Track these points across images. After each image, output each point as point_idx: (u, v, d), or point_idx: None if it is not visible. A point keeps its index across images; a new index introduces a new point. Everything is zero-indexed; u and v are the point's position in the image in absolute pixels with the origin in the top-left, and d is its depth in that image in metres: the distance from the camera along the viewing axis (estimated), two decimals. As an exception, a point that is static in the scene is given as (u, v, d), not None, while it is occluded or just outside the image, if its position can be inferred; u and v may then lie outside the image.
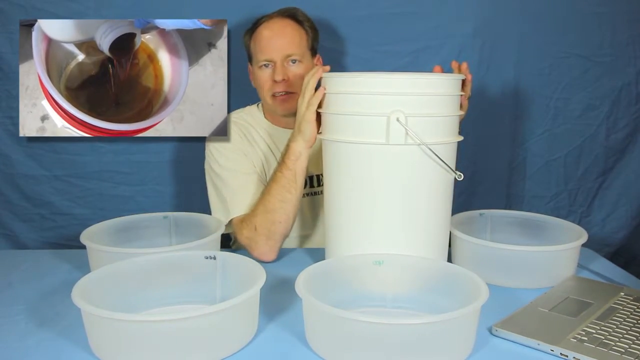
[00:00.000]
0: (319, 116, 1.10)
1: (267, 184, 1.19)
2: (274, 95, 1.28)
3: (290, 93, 1.27)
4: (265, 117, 1.38)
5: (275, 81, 1.26)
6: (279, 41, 1.26)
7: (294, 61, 1.27)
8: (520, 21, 1.52)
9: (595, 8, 1.51)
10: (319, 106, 1.08)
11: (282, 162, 1.16)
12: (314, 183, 1.35)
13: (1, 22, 1.41)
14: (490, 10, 1.51)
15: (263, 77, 1.28)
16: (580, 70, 1.55)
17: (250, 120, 1.37)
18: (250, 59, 1.34)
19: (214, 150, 1.30)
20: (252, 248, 1.18)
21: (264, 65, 1.27)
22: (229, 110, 1.43)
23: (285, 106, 1.29)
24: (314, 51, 1.34)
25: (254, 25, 1.31)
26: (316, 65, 1.31)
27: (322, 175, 1.31)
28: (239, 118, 1.37)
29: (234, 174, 1.27)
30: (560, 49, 1.53)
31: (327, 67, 1.10)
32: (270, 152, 1.34)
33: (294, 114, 1.15)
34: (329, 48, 1.47)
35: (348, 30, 1.50)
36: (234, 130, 1.34)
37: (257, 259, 1.06)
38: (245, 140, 1.33)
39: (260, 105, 1.41)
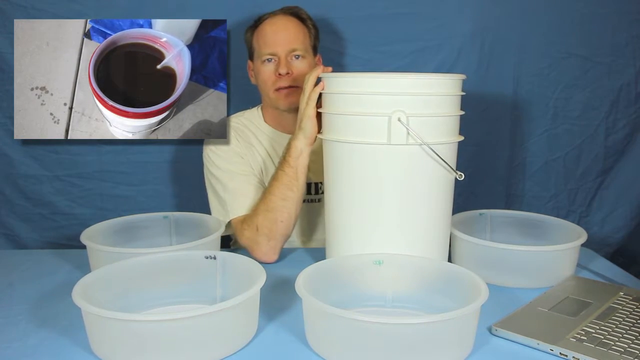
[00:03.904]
0: (319, 115, 1.10)
1: (269, 183, 1.19)
2: (277, 90, 1.28)
3: (293, 87, 1.27)
4: (265, 120, 1.38)
5: (279, 75, 1.26)
6: (283, 36, 1.27)
7: (297, 56, 1.27)
8: (520, 21, 1.52)
9: (595, 8, 1.51)
10: (319, 105, 1.08)
11: (283, 160, 1.16)
12: (311, 190, 1.35)
13: (1, 22, 1.41)
14: (490, 10, 1.51)
15: (266, 72, 1.28)
16: (580, 70, 1.55)
17: (249, 125, 1.36)
18: (251, 55, 1.35)
19: (211, 153, 1.30)
20: (253, 249, 1.17)
21: (267, 59, 1.27)
22: (229, 110, 1.43)
23: (289, 100, 1.27)
24: (315, 50, 1.35)
25: (257, 22, 1.32)
26: (317, 64, 1.32)
27: (321, 183, 1.31)
28: (238, 122, 1.36)
29: (231, 175, 1.27)
30: (560, 49, 1.53)
31: (329, 68, 1.12)
32: (269, 157, 1.34)
33: (296, 109, 1.16)
34: (329, 48, 1.47)
35: (348, 30, 1.50)
36: (231, 134, 1.34)
37: (259, 260, 1.06)
38: (243, 143, 1.33)
39: (260, 108, 1.40)
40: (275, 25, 1.29)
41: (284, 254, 1.22)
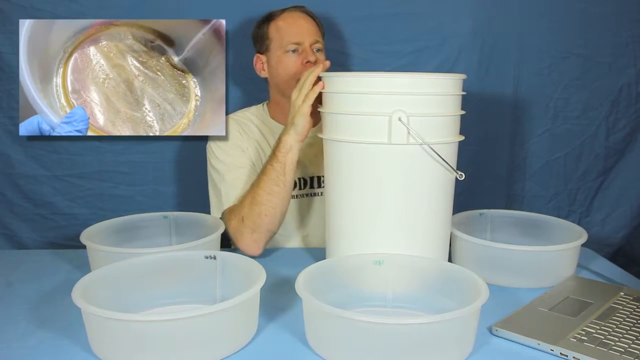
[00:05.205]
0: (315, 113, 1.10)
1: (257, 177, 1.20)
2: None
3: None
4: (271, 116, 1.38)
5: (308, 62, 1.27)
6: (307, 27, 1.30)
7: (318, 49, 1.30)
8: (520, 21, 1.52)
9: (595, 8, 1.51)
10: (319, 103, 1.08)
11: (272, 154, 1.17)
12: (314, 184, 1.35)
13: (1, 22, 1.41)
14: (490, 10, 1.51)
15: (290, 62, 1.29)
16: (580, 70, 1.55)
17: (254, 120, 1.37)
18: (265, 47, 1.34)
19: (214, 145, 1.31)
20: (237, 239, 1.18)
21: (292, 50, 1.29)
22: (227, 109, 1.43)
23: None
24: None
25: (270, 17, 1.33)
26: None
27: (323, 177, 1.31)
28: (243, 117, 1.37)
29: (230, 168, 1.28)
30: (560, 49, 1.53)
31: (327, 63, 1.13)
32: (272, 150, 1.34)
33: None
34: (329, 48, 1.47)
35: (348, 30, 1.50)
36: (233, 127, 1.34)
37: (243, 252, 1.07)
38: (245, 136, 1.33)
39: (266, 104, 1.40)
40: (294, 17, 1.31)
41: (283, 253, 1.22)
